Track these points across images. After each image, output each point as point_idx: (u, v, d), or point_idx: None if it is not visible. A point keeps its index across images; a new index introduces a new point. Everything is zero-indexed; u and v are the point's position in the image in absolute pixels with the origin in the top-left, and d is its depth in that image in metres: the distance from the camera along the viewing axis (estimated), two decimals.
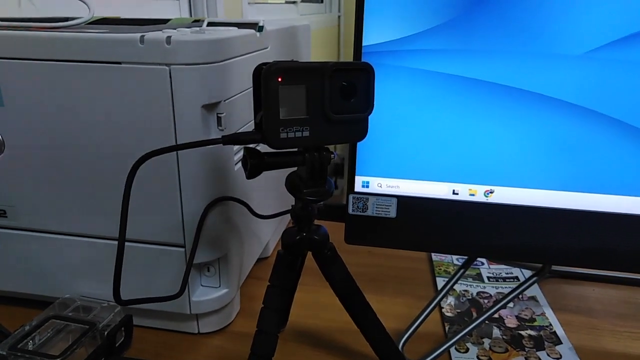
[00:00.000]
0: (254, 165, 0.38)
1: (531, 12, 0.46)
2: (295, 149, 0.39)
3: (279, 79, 0.36)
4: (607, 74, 0.46)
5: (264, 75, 0.36)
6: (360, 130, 0.40)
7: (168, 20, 0.63)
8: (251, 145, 0.41)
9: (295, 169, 0.42)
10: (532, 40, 0.47)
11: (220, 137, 0.39)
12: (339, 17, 3.26)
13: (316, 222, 0.44)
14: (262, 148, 0.40)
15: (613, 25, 0.45)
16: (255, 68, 0.38)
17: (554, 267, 0.69)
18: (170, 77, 0.44)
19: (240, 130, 0.52)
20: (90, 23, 0.55)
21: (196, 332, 0.55)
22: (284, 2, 2.40)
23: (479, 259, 0.72)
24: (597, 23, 0.45)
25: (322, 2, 3.06)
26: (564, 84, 0.47)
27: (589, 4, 0.45)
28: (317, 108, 0.37)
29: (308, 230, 0.43)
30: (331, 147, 0.41)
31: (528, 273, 0.68)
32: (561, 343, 0.54)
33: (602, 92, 0.47)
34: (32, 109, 0.48)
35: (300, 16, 2.53)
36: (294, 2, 2.48)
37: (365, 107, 0.39)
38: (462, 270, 0.58)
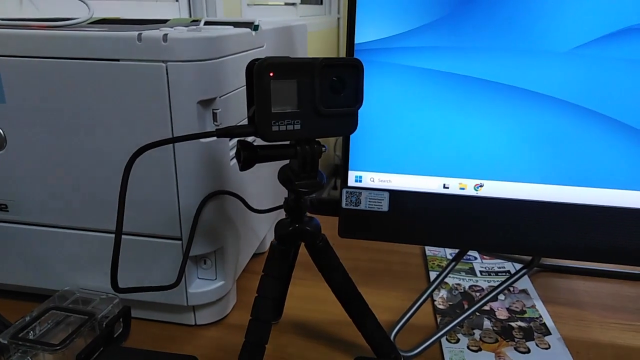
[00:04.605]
0: (247, 157, 0.39)
1: (519, 10, 0.47)
2: (287, 142, 0.41)
3: (271, 74, 0.37)
4: (593, 70, 0.47)
5: (256, 70, 0.37)
6: (350, 124, 0.41)
7: (167, 20, 0.64)
8: (245, 139, 0.42)
9: (288, 161, 0.43)
10: (519, 38, 0.48)
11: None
12: (338, 19, 3.28)
13: (311, 215, 0.45)
14: (257, 143, 0.41)
15: (598, 23, 0.46)
16: (248, 64, 0.39)
17: (545, 261, 0.70)
18: (167, 73, 0.45)
19: None
20: (90, 23, 0.57)
21: (193, 323, 0.56)
22: (283, 3, 2.42)
23: (471, 253, 0.73)
24: (582, 20, 0.46)
25: (321, 4, 3.08)
26: (551, 80, 0.48)
27: (574, 2, 0.46)
28: (308, 102, 0.39)
29: (300, 222, 0.44)
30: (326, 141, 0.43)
31: (520, 267, 0.69)
32: (550, 334, 0.55)
33: (588, 88, 0.48)
34: (32, 105, 0.49)
35: (299, 18, 2.55)
36: (293, 4, 2.50)
37: (355, 101, 0.40)
38: (453, 263, 0.59)
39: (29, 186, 0.53)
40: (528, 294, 0.63)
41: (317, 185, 0.41)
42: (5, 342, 0.46)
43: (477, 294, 0.63)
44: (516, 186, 0.51)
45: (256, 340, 0.43)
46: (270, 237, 0.73)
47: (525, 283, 0.66)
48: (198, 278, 0.55)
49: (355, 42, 0.51)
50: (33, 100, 0.49)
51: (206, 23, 0.58)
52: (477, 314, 0.59)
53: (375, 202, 0.54)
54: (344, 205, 0.55)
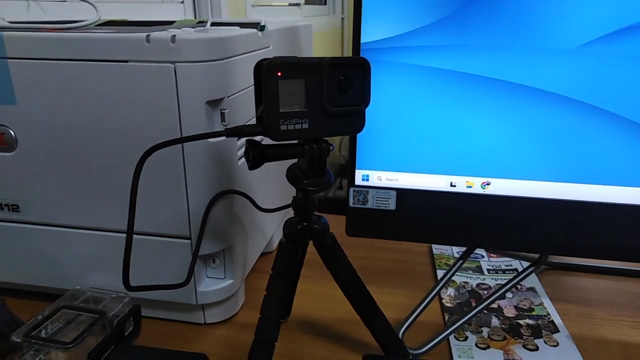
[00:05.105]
0: (256, 156, 0.40)
1: (524, 8, 0.47)
2: (295, 141, 0.41)
3: (279, 74, 0.37)
4: (599, 68, 0.47)
5: (264, 70, 0.37)
6: (357, 123, 0.41)
7: (173, 22, 0.65)
8: (254, 138, 0.42)
9: (296, 160, 0.43)
10: (525, 35, 0.48)
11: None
12: (342, 19, 3.28)
13: (319, 214, 0.46)
14: (265, 142, 0.42)
15: (604, 20, 0.46)
16: (256, 64, 0.39)
17: (553, 259, 0.70)
18: (175, 74, 0.46)
19: None
20: (98, 25, 0.57)
21: (202, 322, 0.57)
22: (287, 4, 2.42)
23: (479, 251, 0.73)
24: (588, 18, 0.46)
25: (325, 4, 3.09)
26: (557, 78, 0.48)
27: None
28: (315, 101, 0.39)
29: (309, 220, 0.44)
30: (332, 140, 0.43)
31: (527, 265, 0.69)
32: (558, 331, 0.55)
33: (594, 85, 0.48)
34: (43, 107, 0.50)
35: (303, 18, 2.55)
36: (297, 5, 2.50)
37: (362, 100, 0.41)
38: (460, 261, 0.59)
39: (40, 187, 0.53)
40: (536, 291, 0.63)
41: (325, 183, 0.42)
42: (19, 340, 0.47)
43: (485, 292, 0.63)
44: (523, 184, 0.51)
45: (265, 338, 0.44)
46: (279, 236, 0.73)
47: (532, 281, 0.66)
48: (207, 277, 0.55)
49: (361, 41, 0.51)
50: (43, 101, 0.50)
51: (213, 24, 0.59)
52: (485, 312, 0.59)
53: (382, 200, 0.54)
54: (351, 204, 0.55)
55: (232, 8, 1.69)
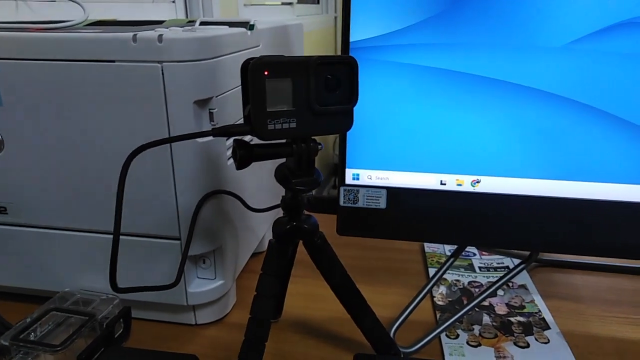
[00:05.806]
0: (243, 156, 0.40)
1: (513, 6, 0.47)
2: (284, 141, 0.41)
3: (266, 73, 0.37)
4: (588, 65, 0.47)
5: (251, 69, 0.37)
6: (345, 122, 0.41)
7: (163, 21, 0.64)
8: (242, 138, 0.42)
9: (284, 160, 0.43)
10: (514, 33, 0.48)
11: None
12: (335, 18, 3.28)
13: (308, 213, 0.45)
14: (254, 142, 0.41)
15: (592, 18, 0.46)
16: (243, 63, 0.39)
17: (544, 256, 0.70)
18: (163, 74, 0.45)
19: None
20: (86, 25, 0.57)
21: (193, 323, 0.56)
22: (280, 3, 2.42)
23: (470, 249, 0.73)
24: (577, 15, 0.46)
25: (318, 3, 3.08)
26: (546, 75, 0.48)
27: None
28: (303, 100, 0.39)
29: (298, 220, 0.44)
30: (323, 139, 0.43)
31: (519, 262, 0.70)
32: (549, 328, 0.56)
33: (583, 83, 0.48)
34: (30, 108, 0.49)
35: (296, 17, 2.55)
36: (290, 4, 2.50)
37: (350, 99, 0.40)
38: (452, 259, 0.59)
39: (28, 188, 0.53)
40: (527, 289, 0.64)
41: (314, 183, 0.42)
42: (7, 343, 0.47)
43: (476, 289, 0.63)
44: (513, 181, 0.52)
45: (256, 338, 0.43)
46: (269, 236, 0.73)
47: (524, 278, 0.66)
48: (197, 277, 0.55)
49: (350, 40, 0.51)
50: (30, 102, 0.49)
51: (202, 23, 0.59)
52: (477, 309, 0.59)
53: (372, 199, 0.54)
54: (341, 203, 0.55)
55: (224, 7, 1.68)
